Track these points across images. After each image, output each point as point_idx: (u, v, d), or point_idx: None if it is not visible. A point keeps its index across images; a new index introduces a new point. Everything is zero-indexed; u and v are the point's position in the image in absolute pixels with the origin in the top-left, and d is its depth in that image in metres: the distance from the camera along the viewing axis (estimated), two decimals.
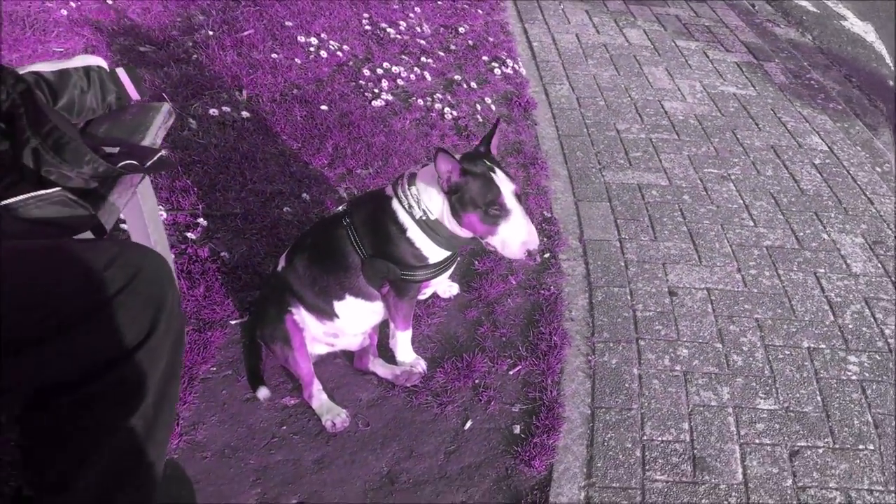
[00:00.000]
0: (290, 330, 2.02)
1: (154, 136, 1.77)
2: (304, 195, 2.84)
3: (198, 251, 2.54)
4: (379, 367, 2.19)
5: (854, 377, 2.26)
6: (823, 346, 2.37)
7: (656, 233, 2.86)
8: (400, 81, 3.74)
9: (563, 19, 4.78)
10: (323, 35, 3.98)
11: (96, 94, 1.70)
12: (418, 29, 4.27)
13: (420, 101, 3.57)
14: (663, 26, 4.80)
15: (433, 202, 1.84)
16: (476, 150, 1.87)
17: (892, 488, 1.93)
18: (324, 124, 3.25)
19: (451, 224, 1.84)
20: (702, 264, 2.70)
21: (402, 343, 2.13)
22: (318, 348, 2.13)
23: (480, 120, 3.50)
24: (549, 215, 2.90)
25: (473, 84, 3.79)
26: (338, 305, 2.01)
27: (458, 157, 1.79)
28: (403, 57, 3.99)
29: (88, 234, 1.46)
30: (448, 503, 1.84)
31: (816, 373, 2.26)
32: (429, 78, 3.81)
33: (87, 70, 1.70)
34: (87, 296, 1.20)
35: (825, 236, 2.90)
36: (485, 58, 4.08)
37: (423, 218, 1.85)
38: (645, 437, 2.04)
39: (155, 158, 1.60)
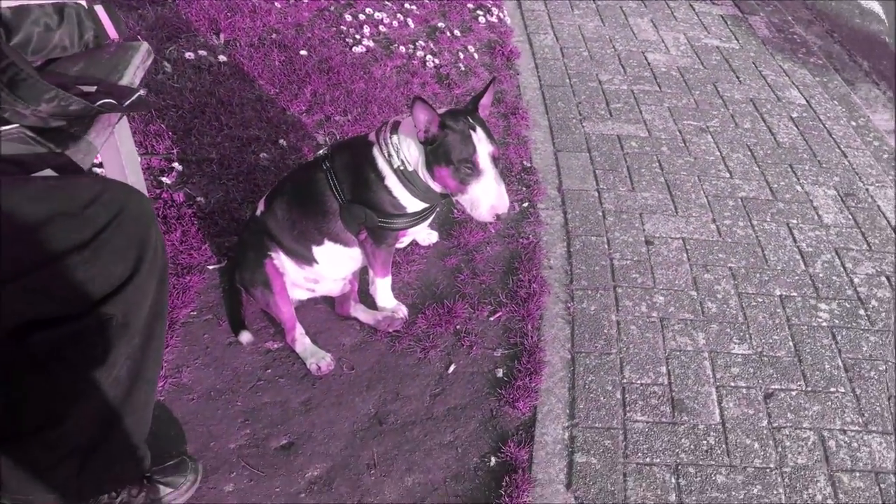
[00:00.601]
0: (271, 274, 2.02)
1: (132, 76, 1.73)
2: (282, 141, 2.81)
3: (173, 196, 2.51)
4: (360, 313, 2.20)
5: (825, 324, 2.33)
6: (795, 294, 2.43)
7: (634, 183, 2.88)
8: (382, 28, 3.68)
9: None
10: None
11: (71, 32, 1.65)
12: None
13: (402, 49, 3.52)
14: None
15: (411, 153, 1.83)
16: (464, 107, 1.85)
17: (873, 429, 2.01)
18: (303, 70, 3.20)
19: (425, 176, 1.84)
20: (678, 214, 2.74)
21: (382, 289, 2.14)
22: (298, 294, 2.13)
23: (462, 68, 3.46)
24: (529, 165, 2.90)
25: (457, 32, 3.74)
26: (316, 250, 2.01)
27: (441, 110, 1.77)
28: (387, 3, 3.92)
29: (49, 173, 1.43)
30: (437, 443, 1.88)
31: (788, 319, 2.33)
32: (412, 25, 3.75)
33: (60, 7, 1.64)
34: (70, 232, 1.18)
35: (798, 188, 2.94)
36: (470, 5, 4.02)
37: (401, 168, 1.84)
38: (624, 380, 2.09)
39: (133, 97, 1.57)
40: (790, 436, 1.98)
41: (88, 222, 1.19)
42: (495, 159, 1.77)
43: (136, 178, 1.96)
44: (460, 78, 3.39)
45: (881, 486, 1.87)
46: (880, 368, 2.19)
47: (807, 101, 3.57)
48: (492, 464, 1.84)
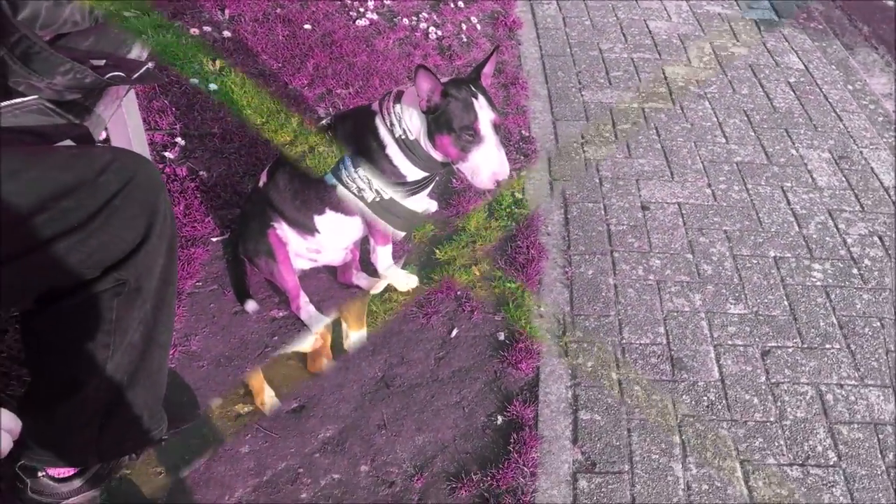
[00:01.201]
0: (274, 243, 2.06)
1: (141, 49, 1.77)
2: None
3: (176, 170, 2.55)
4: (363, 280, 2.25)
5: (819, 283, 2.37)
6: (789, 254, 2.47)
7: (631, 150, 2.91)
8: (386, 0, 3.68)
9: None
10: None
11: (81, 7, 1.67)
12: None
13: (405, 21, 3.54)
14: None
15: (413, 122, 1.86)
16: (467, 76, 1.86)
17: (870, 382, 2.06)
18: (306, 44, 3.22)
19: (426, 146, 1.86)
20: (674, 180, 2.77)
21: (383, 257, 2.18)
22: (301, 263, 2.18)
23: (465, 40, 3.48)
24: (527, 134, 2.94)
25: (461, 3, 3.75)
26: (318, 220, 2.05)
27: (443, 79, 1.79)
28: None
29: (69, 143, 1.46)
30: (444, 403, 1.95)
31: (783, 279, 2.38)
32: None
33: None
34: (87, 199, 1.22)
35: (793, 152, 2.97)
36: None
37: (403, 137, 1.87)
38: (624, 341, 2.14)
39: (142, 70, 1.59)
40: (788, 391, 2.04)
41: (101, 189, 1.22)
42: (496, 126, 1.79)
43: (141, 151, 2.01)
44: (462, 49, 3.40)
45: (879, 436, 1.93)
46: (874, 325, 2.23)
47: (805, 66, 3.58)
48: (499, 422, 1.90)
